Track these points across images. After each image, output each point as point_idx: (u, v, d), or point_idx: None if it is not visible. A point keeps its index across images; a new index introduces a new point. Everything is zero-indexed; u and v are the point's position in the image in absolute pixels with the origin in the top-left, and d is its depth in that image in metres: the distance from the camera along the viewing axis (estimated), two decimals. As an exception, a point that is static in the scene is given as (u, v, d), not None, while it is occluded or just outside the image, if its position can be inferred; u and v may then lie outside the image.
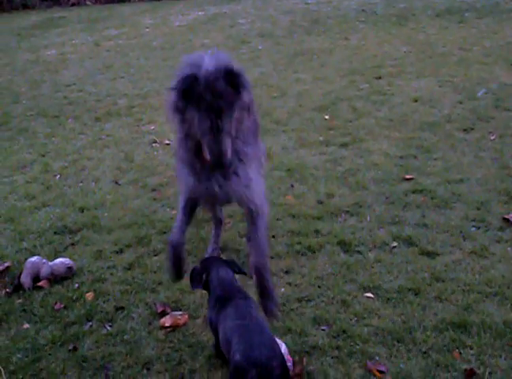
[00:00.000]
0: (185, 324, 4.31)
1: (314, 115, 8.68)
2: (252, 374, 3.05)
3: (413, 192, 6.08)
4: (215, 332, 3.64)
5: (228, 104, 3.61)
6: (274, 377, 3.11)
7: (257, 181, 4.17)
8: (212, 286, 3.78)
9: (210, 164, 3.73)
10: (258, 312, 3.62)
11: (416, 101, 8.99)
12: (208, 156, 3.68)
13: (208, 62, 3.65)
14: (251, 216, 4.15)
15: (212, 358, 3.94)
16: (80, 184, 7.01)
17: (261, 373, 3.06)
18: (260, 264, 4.06)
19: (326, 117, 8.58)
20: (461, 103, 8.71)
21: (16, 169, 7.68)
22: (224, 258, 4.12)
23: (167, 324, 4.30)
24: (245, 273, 4.05)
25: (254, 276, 4.10)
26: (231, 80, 3.61)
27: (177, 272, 4.30)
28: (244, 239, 5.16)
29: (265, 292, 4.07)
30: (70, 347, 4.18)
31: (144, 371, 3.91)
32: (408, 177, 6.40)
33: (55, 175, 7.31)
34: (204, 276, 3.84)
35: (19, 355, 4.14)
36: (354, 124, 8.23)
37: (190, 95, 3.60)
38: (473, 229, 5.34)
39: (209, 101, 3.56)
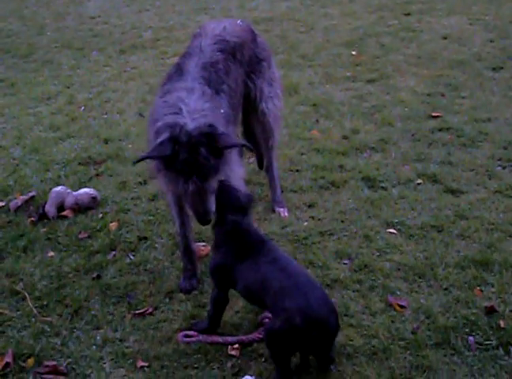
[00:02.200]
0: (207, 255, 4.33)
1: (341, 51, 8.58)
2: (313, 335, 3.03)
3: (440, 130, 6.02)
4: (226, 276, 3.50)
5: (212, 167, 3.53)
6: (333, 332, 3.13)
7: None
8: (235, 229, 3.52)
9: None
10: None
11: (445, 38, 8.85)
12: (191, 213, 3.71)
13: (189, 124, 3.51)
14: None
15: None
16: (105, 116, 7.01)
17: (322, 333, 3.05)
18: None
19: (353, 52, 8.47)
20: (491, 41, 8.56)
21: (41, 100, 7.68)
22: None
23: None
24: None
25: None
26: (213, 142, 3.50)
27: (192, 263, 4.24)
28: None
29: None
30: (94, 275, 4.23)
31: (167, 300, 3.95)
32: (434, 114, 6.33)
33: (80, 107, 7.30)
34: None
35: (44, 282, 4.19)
36: (381, 60, 8.12)
37: (171, 160, 3.51)
38: (499, 168, 5.30)
39: (191, 167, 3.48)
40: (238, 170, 4.07)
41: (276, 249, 3.49)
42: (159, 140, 3.53)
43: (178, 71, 4.04)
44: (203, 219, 3.67)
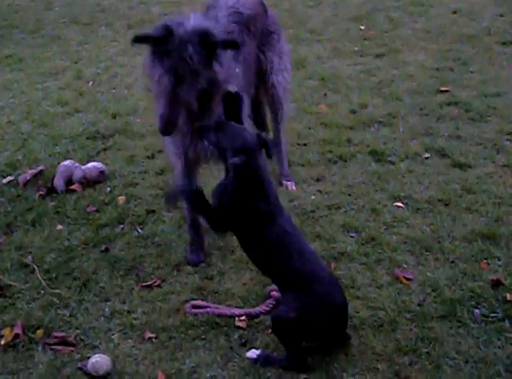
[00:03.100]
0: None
1: (349, 25, 8.54)
2: (323, 318, 3.04)
3: (448, 104, 6.01)
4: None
5: (193, 72, 3.39)
6: (342, 311, 3.15)
7: None
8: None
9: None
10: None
11: (454, 13, 8.80)
12: (158, 122, 3.48)
13: (191, 22, 3.45)
14: None
15: (240, 261, 3.99)
16: (113, 90, 7.01)
17: (331, 314, 3.07)
18: None
19: (362, 27, 8.44)
20: (501, 15, 8.51)
21: (49, 75, 7.68)
22: None
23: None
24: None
25: None
26: (206, 47, 3.40)
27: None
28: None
29: None
30: (102, 248, 4.25)
31: (175, 272, 3.97)
32: (443, 89, 6.31)
33: (88, 82, 7.30)
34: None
35: (52, 255, 4.22)
36: (390, 35, 8.09)
37: (160, 49, 3.42)
38: (507, 142, 5.29)
39: (175, 61, 3.37)
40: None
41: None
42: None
43: None
44: (161, 127, 3.47)
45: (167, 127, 3.48)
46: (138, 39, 3.55)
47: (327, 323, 3.08)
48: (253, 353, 3.26)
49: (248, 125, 3.81)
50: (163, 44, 3.41)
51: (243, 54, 4.07)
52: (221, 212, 3.26)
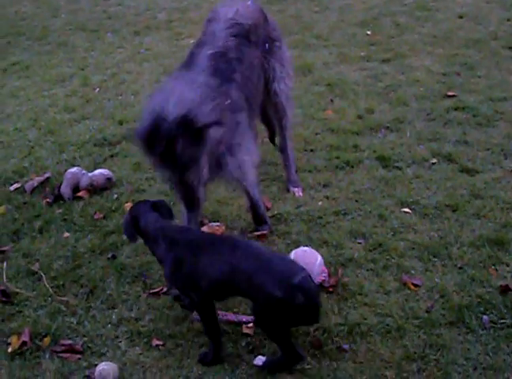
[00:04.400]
0: (222, 234, 4.35)
1: (355, 30, 8.52)
2: (298, 299, 3.02)
3: (455, 109, 5.98)
4: (192, 283, 3.30)
5: (191, 158, 3.52)
6: (314, 296, 3.12)
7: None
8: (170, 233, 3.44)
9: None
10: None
11: (461, 17, 8.77)
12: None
13: (171, 111, 3.46)
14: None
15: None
16: (120, 97, 7.01)
17: (305, 294, 3.04)
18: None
19: (368, 32, 8.41)
20: (508, 20, 8.47)
21: (55, 82, 7.70)
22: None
23: (204, 235, 4.34)
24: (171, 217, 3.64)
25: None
26: (193, 134, 3.47)
27: None
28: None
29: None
30: (109, 256, 4.26)
31: (182, 279, 3.97)
32: (450, 94, 6.29)
33: (94, 89, 7.31)
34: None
35: (59, 262, 4.23)
36: (396, 40, 8.07)
37: (152, 146, 3.53)
38: (515, 147, 5.27)
39: (170, 159, 3.50)
40: (248, 159, 4.09)
41: (228, 239, 3.56)
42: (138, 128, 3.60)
43: (188, 61, 4.09)
44: (191, 208, 3.75)
45: (192, 206, 3.78)
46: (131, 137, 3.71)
47: (297, 305, 3.04)
48: (259, 360, 3.26)
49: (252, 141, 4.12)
50: (151, 147, 3.52)
51: (240, 70, 4.12)
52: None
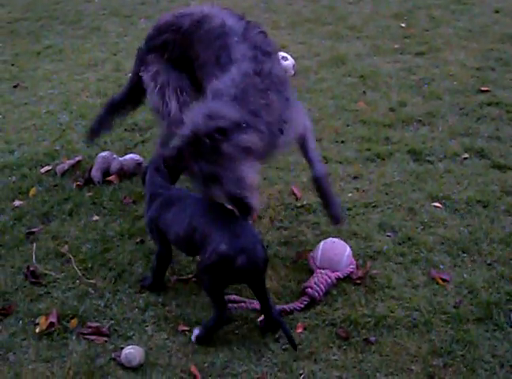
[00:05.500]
0: (254, 220, 4.35)
1: (390, 23, 8.47)
2: (240, 260, 3.13)
3: (488, 104, 5.93)
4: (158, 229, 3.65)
5: (209, 175, 3.40)
6: (261, 260, 3.22)
7: None
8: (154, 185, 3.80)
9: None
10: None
11: (497, 12, 8.69)
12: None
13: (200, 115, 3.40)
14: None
15: (276, 257, 4.00)
16: (151, 83, 7.01)
17: (249, 258, 3.15)
18: (320, 174, 4.06)
19: (402, 25, 8.36)
20: (545, 15, 8.38)
21: (88, 67, 7.74)
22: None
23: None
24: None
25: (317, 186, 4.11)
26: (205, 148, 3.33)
27: None
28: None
29: (328, 200, 4.09)
30: (138, 240, 4.27)
31: (209, 266, 3.97)
32: (484, 89, 6.23)
33: (126, 74, 7.29)
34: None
35: (88, 245, 4.25)
36: (431, 33, 8.01)
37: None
38: (548, 144, 5.21)
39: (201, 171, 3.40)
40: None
41: (195, 195, 3.65)
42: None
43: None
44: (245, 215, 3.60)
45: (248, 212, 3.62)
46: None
47: (239, 265, 3.15)
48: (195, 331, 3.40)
49: None
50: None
51: None
52: None
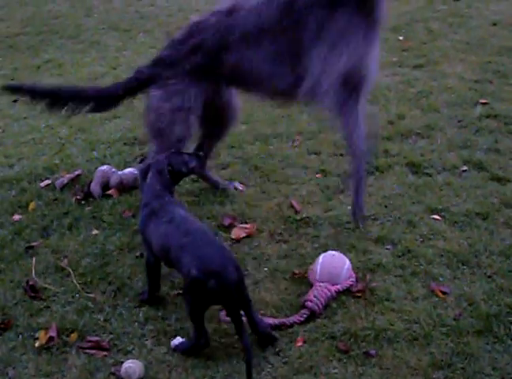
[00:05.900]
0: (251, 234, 4.37)
1: (387, 36, 8.45)
2: (211, 284, 3.13)
3: (487, 116, 5.94)
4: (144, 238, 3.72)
5: None
6: (232, 281, 3.19)
7: None
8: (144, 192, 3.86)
9: None
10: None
11: (494, 25, 8.73)
12: None
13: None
14: None
15: (275, 270, 4.00)
16: (150, 97, 7.03)
17: (220, 281, 3.15)
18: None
19: (400, 38, 8.40)
20: (542, 28, 8.41)
21: (87, 81, 7.74)
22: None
23: (233, 237, 4.35)
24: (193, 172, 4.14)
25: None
26: None
27: None
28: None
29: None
30: (137, 254, 4.26)
31: (210, 279, 3.97)
32: (482, 101, 6.24)
33: (126, 88, 7.34)
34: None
35: (88, 259, 4.24)
36: (429, 46, 8.05)
37: None
38: (547, 157, 5.22)
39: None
40: None
41: (175, 209, 3.62)
42: None
43: None
44: None
45: None
46: None
47: (212, 288, 3.15)
48: (177, 340, 3.43)
49: None
50: None
51: None
52: None
